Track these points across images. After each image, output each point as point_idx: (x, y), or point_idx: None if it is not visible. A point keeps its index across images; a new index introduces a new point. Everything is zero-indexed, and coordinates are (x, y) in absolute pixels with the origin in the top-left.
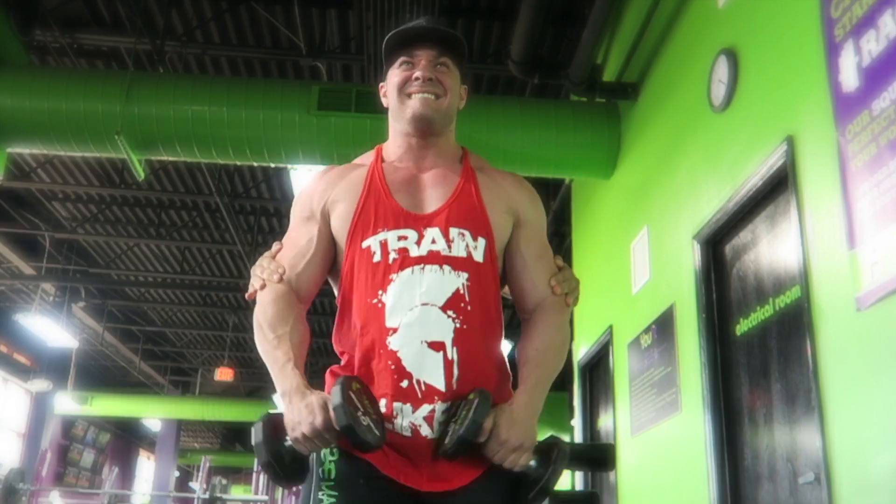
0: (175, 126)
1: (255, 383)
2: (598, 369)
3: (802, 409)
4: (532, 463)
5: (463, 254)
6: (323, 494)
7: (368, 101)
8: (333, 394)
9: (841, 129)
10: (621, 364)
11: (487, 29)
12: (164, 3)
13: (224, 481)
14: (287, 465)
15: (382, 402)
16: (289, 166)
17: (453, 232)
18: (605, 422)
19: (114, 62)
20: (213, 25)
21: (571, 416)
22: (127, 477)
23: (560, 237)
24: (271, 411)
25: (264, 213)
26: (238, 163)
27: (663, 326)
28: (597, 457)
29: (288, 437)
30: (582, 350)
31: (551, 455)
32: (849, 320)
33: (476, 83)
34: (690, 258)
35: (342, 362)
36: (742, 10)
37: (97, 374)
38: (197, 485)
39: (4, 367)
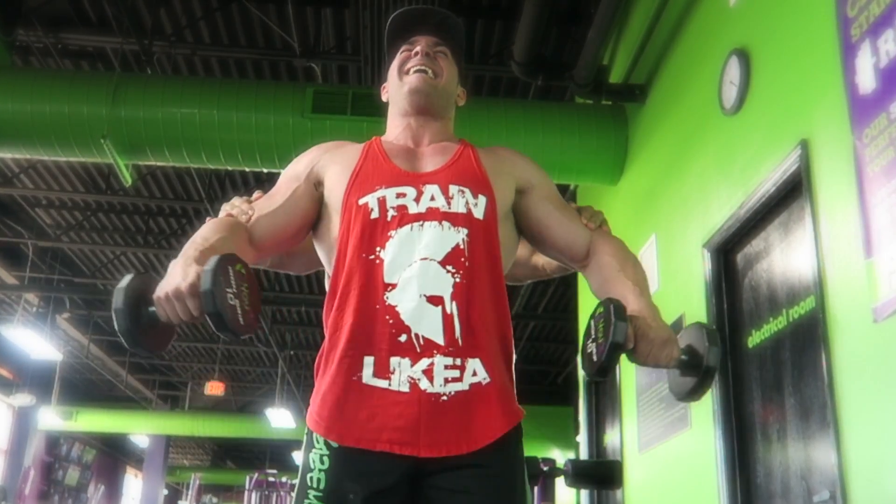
0: (164, 129)
1: (247, 398)
2: (604, 383)
3: (817, 424)
4: (683, 356)
5: (463, 210)
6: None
7: (365, 103)
8: (208, 262)
9: (857, 132)
10: (628, 378)
11: (489, 28)
12: (152, 2)
13: (215, 500)
14: (140, 321)
15: (370, 361)
16: (282, 172)
17: (453, 189)
18: (611, 438)
19: (100, 63)
20: (203, 25)
21: (577, 431)
22: (113, 495)
23: None
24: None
25: None
26: (229, 168)
27: None
28: (603, 474)
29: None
30: None
31: (702, 335)
32: (865, 332)
33: (477, 85)
34: (700, 267)
35: (326, 338)
36: (754, 8)
37: (82, 388)
38: (186, 503)
39: None
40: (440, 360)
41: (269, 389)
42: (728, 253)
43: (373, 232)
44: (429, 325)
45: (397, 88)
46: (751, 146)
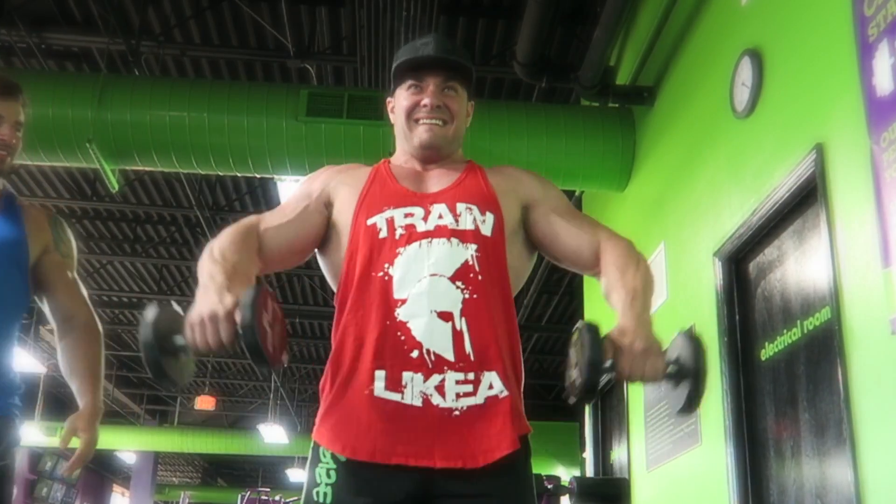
0: (152, 133)
1: (238, 413)
2: (611, 398)
3: (833, 440)
4: (671, 368)
5: (471, 227)
6: None
7: (361, 106)
8: (246, 294)
9: (875, 136)
10: (636, 392)
11: (491, 28)
12: (140, 0)
13: None
14: (167, 351)
15: (381, 375)
16: (275, 177)
17: (460, 206)
18: (618, 455)
19: (85, 64)
20: (193, 24)
21: (583, 448)
22: None
23: None
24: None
25: None
26: (220, 173)
27: None
28: (610, 492)
29: (184, 331)
30: None
31: (686, 342)
32: (883, 344)
33: (479, 87)
34: (711, 277)
35: (333, 354)
36: (767, 7)
37: (67, 402)
38: None
39: None
40: (451, 376)
41: (262, 404)
42: (740, 262)
43: (381, 250)
44: (440, 341)
45: (407, 134)
46: (764, 150)
